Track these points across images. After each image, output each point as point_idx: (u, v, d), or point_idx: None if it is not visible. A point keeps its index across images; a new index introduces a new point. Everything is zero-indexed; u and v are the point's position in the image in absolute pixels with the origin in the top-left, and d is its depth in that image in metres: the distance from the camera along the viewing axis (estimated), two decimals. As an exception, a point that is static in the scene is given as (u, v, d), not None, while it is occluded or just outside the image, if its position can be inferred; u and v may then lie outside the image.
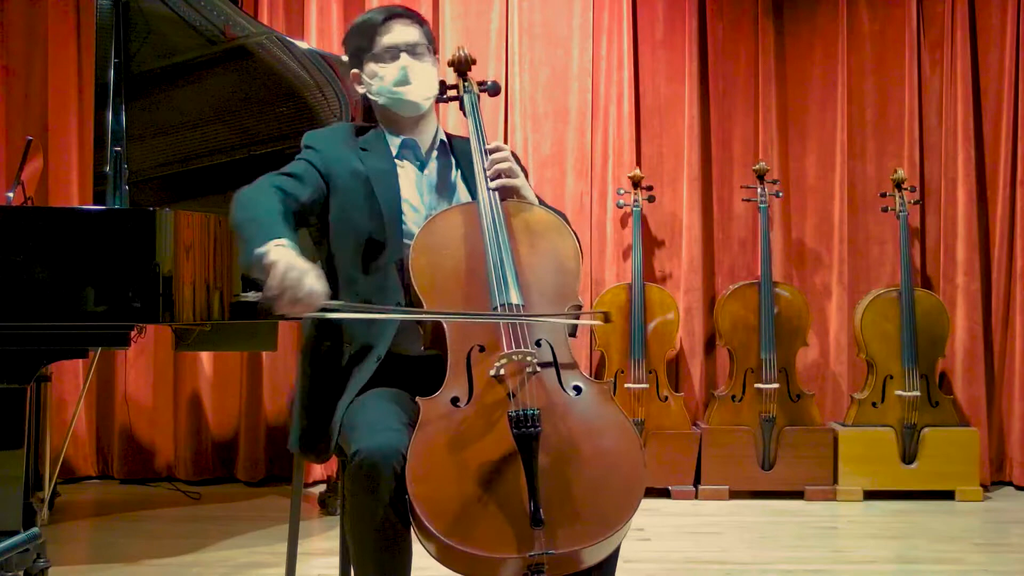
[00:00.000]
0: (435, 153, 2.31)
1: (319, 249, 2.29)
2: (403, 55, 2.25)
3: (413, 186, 2.26)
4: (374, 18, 2.30)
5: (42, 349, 2.89)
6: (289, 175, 2.17)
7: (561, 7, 4.78)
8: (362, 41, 2.29)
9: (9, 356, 2.84)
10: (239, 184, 2.13)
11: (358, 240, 2.18)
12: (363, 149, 2.26)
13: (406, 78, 2.25)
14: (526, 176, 2.33)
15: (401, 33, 2.27)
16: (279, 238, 1.91)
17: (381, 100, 2.29)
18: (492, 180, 2.17)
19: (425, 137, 2.31)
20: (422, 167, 2.29)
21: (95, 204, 3.30)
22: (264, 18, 4.64)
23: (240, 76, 3.69)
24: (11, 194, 3.61)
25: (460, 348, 1.97)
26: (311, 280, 1.84)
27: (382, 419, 1.94)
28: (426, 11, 4.71)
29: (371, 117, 2.42)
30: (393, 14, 2.29)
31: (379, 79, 2.27)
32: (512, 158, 2.23)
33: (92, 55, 3.60)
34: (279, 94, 3.76)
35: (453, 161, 2.32)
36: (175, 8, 3.49)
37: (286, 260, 1.83)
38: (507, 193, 2.20)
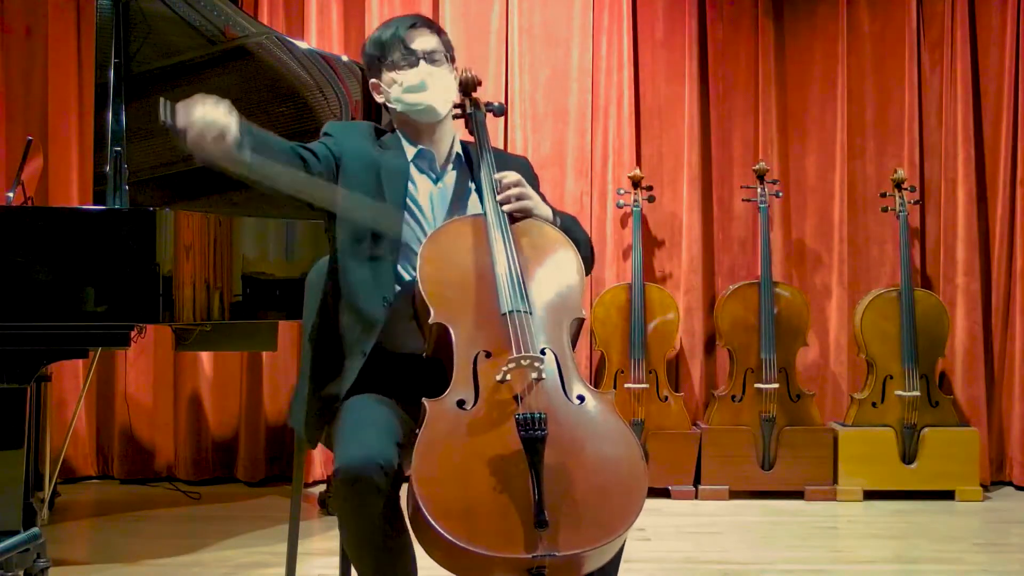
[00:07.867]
0: (451, 166, 2.30)
1: (328, 237, 2.29)
2: (421, 62, 2.24)
3: (425, 196, 2.25)
4: (393, 26, 2.28)
5: (42, 349, 2.90)
6: (306, 147, 2.19)
7: (561, 7, 4.78)
8: (380, 50, 2.27)
9: (9, 356, 2.85)
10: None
11: (356, 228, 2.18)
12: (381, 147, 2.27)
13: (424, 84, 2.24)
14: (538, 184, 2.34)
15: (420, 41, 2.25)
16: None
17: (399, 107, 2.27)
18: (503, 204, 2.16)
19: (442, 148, 2.30)
20: (437, 180, 2.28)
21: (95, 204, 3.30)
22: (264, 18, 4.63)
23: (240, 76, 3.69)
24: (11, 194, 3.61)
25: (467, 353, 1.98)
26: (212, 108, 1.85)
27: (366, 430, 1.94)
28: (426, 12, 4.69)
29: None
30: (412, 23, 2.27)
31: (397, 86, 2.25)
32: (523, 182, 2.21)
33: (92, 55, 3.60)
34: (279, 94, 3.76)
35: (469, 175, 2.30)
36: (175, 8, 3.49)
37: (202, 99, 1.86)
38: (521, 215, 2.20)
